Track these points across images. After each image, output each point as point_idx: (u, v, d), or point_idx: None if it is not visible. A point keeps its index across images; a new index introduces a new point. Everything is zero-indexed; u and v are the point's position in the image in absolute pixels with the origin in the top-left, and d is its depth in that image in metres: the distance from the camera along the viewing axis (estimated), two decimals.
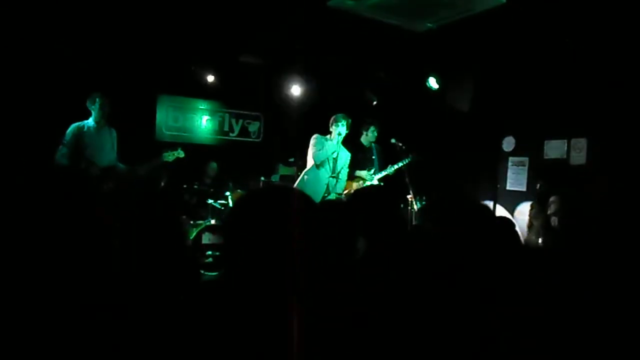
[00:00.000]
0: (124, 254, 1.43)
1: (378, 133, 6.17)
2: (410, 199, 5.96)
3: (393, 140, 6.11)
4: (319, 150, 5.41)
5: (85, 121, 5.05)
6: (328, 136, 5.52)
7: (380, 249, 2.12)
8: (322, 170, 5.44)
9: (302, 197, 1.14)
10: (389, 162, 6.11)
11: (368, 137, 6.16)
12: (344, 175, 5.54)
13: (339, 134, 5.38)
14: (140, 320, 1.31)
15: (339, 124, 5.40)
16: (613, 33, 4.88)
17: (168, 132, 7.70)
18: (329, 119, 5.58)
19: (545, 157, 6.78)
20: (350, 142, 5.88)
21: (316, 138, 5.50)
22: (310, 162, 5.49)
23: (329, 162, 5.45)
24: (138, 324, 1.30)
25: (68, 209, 1.41)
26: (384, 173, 6.00)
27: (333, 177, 5.44)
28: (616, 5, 4.40)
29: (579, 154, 6.39)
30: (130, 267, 1.45)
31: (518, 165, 7.18)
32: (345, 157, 5.57)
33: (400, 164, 5.96)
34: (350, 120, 5.48)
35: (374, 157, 6.14)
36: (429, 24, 5.39)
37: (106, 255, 1.42)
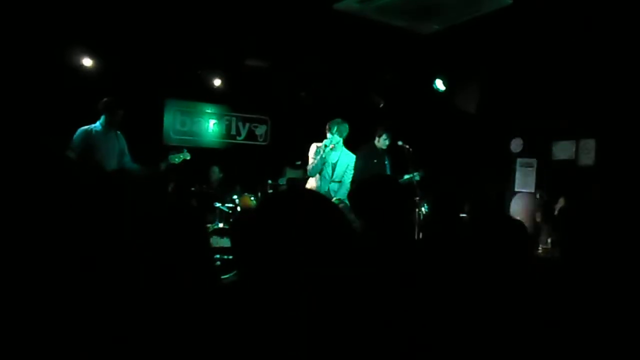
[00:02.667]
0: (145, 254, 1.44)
1: (390, 140, 6.11)
2: (418, 201, 5.94)
3: (400, 143, 6.11)
4: (312, 163, 5.39)
5: (93, 125, 5.06)
6: (322, 144, 5.40)
7: (386, 241, 2.13)
8: (320, 177, 5.40)
9: (315, 198, 1.14)
10: (401, 166, 6.08)
11: (379, 143, 6.11)
12: (347, 178, 5.45)
13: (325, 146, 5.27)
14: (158, 319, 1.32)
15: (329, 133, 5.33)
16: (621, 33, 4.85)
17: (175, 136, 7.73)
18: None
19: (554, 159, 6.74)
20: (364, 144, 5.88)
21: (311, 148, 5.46)
22: None
23: (326, 168, 5.39)
24: (155, 323, 1.30)
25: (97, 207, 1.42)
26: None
27: (334, 182, 5.40)
28: (624, 6, 4.38)
29: (587, 155, 6.35)
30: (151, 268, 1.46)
31: (526, 167, 7.14)
32: (347, 160, 5.47)
33: (410, 176, 5.96)
34: (345, 125, 5.35)
35: (386, 162, 6.11)
36: (435, 26, 5.38)
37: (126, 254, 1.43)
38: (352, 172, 5.51)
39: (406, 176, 6.05)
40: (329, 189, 5.34)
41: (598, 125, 6.02)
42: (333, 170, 5.40)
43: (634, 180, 5.16)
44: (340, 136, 5.36)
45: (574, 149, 6.50)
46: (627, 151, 5.55)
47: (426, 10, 4.99)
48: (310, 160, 5.44)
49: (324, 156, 5.31)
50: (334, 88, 7.38)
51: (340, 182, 5.38)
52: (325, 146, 5.30)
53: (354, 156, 5.55)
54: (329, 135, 5.35)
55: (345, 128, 5.39)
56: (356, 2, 4.83)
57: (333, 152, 5.38)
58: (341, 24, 5.28)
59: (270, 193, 6.48)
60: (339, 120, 5.38)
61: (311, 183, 5.49)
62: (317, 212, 1.10)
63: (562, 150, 6.66)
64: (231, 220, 6.39)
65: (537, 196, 6.68)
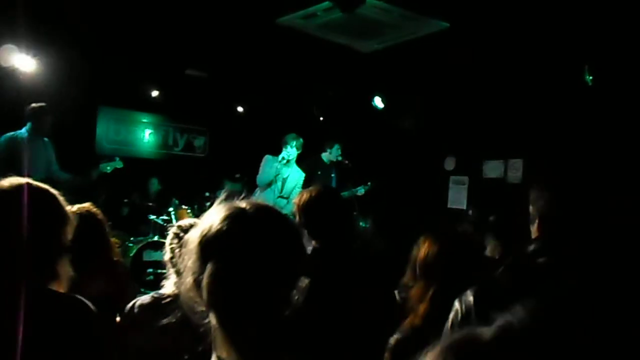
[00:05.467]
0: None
1: (342, 151, 6.13)
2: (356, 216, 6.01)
3: (339, 158, 6.17)
4: (263, 173, 5.31)
5: (18, 132, 4.79)
6: (279, 157, 5.36)
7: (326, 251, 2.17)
8: (268, 190, 5.32)
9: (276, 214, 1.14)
10: (346, 182, 6.13)
11: (331, 154, 6.10)
12: (295, 195, 5.38)
13: (283, 159, 5.24)
14: None
15: (287, 146, 5.27)
16: (549, 59, 5.16)
17: (109, 145, 7.45)
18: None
19: (484, 177, 7.06)
20: (310, 158, 5.86)
21: (265, 159, 5.37)
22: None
23: (276, 182, 5.32)
24: None
25: None
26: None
27: (282, 197, 5.32)
28: (551, 33, 4.67)
29: (515, 174, 6.69)
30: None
31: (458, 184, 7.42)
32: (297, 177, 5.41)
33: (355, 190, 6.02)
34: (301, 140, 5.35)
35: (332, 175, 6.12)
36: (375, 45, 5.52)
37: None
38: (301, 189, 5.44)
39: (354, 190, 6.09)
40: (275, 204, 5.22)
41: (525, 146, 6.37)
42: (282, 185, 5.33)
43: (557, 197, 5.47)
44: (297, 150, 5.31)
45: (503, 168, 6.84)
46: (551, 170, 5.89)
47: (367, 29, 5.11)
48: (261, 171, 5.35)
49: (278, 168, 5.25)
50: (275, 101, 7.38)
51: (287, 198, 5.25)
52: (283, 158, 5.24)
53: (303, 174, 5.47)
54: (287, 148, 5.27)
55: (301, 144, 5.35)
56: (299, 18, 4.87)
57: (285, 167, 5.31)
58: (284, 38, 5.31)
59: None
60: (294, 135, 5.33)
61: (257, 194, 5.38)
62: (277, 228, 1.10)
63: (492, 168, 6.98)
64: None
65: (469, 212, 6.96)
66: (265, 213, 1.07)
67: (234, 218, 1.02)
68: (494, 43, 5.06)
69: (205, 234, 1.01)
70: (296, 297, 1.01)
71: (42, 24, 5.10)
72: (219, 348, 0.99)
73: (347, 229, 2.32)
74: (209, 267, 0.98)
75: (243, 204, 1.09)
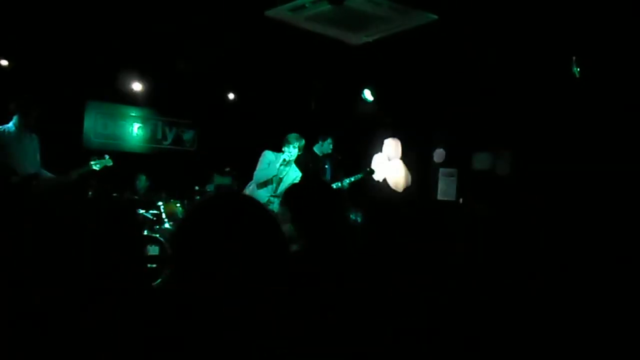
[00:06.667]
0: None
1: (334, 146, 6.10)
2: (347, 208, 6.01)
3: (329, 151, 6.17)
4: (262, 169, 5.24)
5: (5, 126, 4.73)
6: (281, 154, 5.25)
7: (316, 247, 2.14)
8: (264, 189, 5.24)
9: (250, 203, 1.12)
10: (340, 174, 6.12)
11: (323, 147, 6.08)
12: None
13: (284, 160, 5.16)
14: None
15: (290, 146, 5.18)
16: (538, 51, 5.20)
17: (97, 140, 7.39)
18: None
19: (473, 169, 7.10)
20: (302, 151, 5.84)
21: (265, 155, 5.28)
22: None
23: (272, 183, 5.24)
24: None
25: None
26: (336, 186, 5.91)
27: (275, 196, 5.27)
28: (539, 25, 4.70)
29: (504, 166, 6.74)
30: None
31: (448, 176, 7.46)
32: (294, 177, 5.30)
33: (353, 179, 6.00)
34: (303, 142, 5.26)
35: (327, 166, 6.11)
36: (364, 37, 5.51)
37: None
38: None
39: (352, 178, 6.06)
40: (268, 200, 5.19)
41: (514, 138, 6.42)
42: (278, 184, 5.24)
43: (546, 189, 5.53)
44: (299, 151, 5.25)
45: (491, 160, 6.88)
46: (539, 161, 5.94)
47: (356, 22, 5.09)
48: (258, 166, 5.27)
49: (280, 169, 5.18)
50: (264, 94, 7.36)
51: (279, 197, 5.15)
52: (284, 160, 5.16)
53: (300, 173, 5.37)
54: (290, 148, 5.18)
55: (303, 145, 5.28)
56: (288, 10, 4.84)
57: (284, 168, 5.24)
58: (272, 30, 5.29)
59: (204, 198, 6.29)
60: (297, 135, 5.23)
61: (250, 189, 5.34)
62: (251, 219, 1.08)
63: (481, 160, 7.02)
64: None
65: (460, 202, 7.01)
66: (235, 201, 1.05)
67: (198, 208, 1.01)
68: (482, 35, 5.08)
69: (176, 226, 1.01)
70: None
71: (28, 18, 5.04)
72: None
73: (338, 223, 2.29)
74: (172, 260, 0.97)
75: (216, 195, 1.09)
